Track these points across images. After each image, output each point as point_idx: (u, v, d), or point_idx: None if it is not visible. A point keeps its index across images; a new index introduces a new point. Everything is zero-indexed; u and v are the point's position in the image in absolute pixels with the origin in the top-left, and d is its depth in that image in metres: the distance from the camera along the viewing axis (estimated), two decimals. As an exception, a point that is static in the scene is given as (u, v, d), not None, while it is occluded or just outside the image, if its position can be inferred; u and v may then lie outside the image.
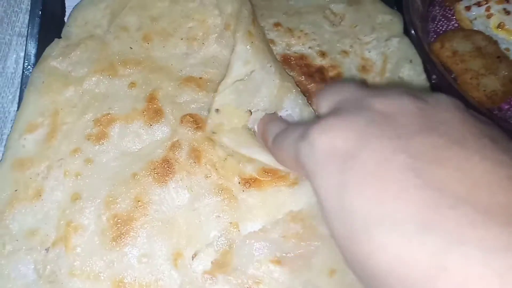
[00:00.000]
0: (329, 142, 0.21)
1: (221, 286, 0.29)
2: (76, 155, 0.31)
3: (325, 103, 0.25)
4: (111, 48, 0.35)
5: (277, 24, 0.40)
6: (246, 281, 0.29)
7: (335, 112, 0.23)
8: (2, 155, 0.32)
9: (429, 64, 0.37)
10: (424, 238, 0.16)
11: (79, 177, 0.30)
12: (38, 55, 0.37)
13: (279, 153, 0.28)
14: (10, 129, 0.34)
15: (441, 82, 0.36)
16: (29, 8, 0.40)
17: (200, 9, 0.37)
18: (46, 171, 0.31)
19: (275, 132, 0.29)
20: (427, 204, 0.17)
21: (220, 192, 0.31)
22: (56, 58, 0.35)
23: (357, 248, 0.18)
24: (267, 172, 0.31)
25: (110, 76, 0.34)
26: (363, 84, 0.25)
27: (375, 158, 0.19)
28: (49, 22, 0.39)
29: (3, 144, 0.35)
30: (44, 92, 0.34)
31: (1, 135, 0.37)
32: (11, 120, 0.37)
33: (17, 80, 0.38)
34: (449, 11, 0.44)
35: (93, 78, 0.33)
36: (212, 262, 0.29)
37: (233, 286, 0.29)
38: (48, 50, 0.36)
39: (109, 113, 0.32)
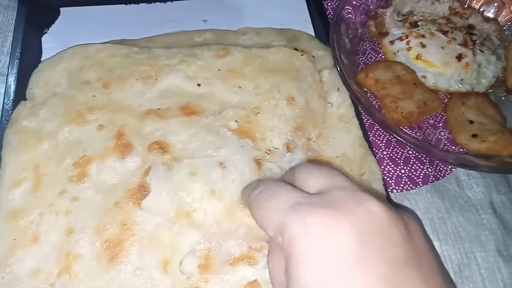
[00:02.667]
0: (329, 236, 0.21)
1: (212, 285, 0.33)
2: (63, 196, 0.35)
3: (314, 181, 0.26)
4: (76, 99, 0.40)
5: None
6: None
7: (328, 198, 0.24)
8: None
9: (350, 92, 0.43)
10: None
11: (69, 214, 0.34)
12: (17, 91, 0.42)
13: (259, 211, 0.26)
14: None
15: (360, 106, 0.43)
16: (10, 51, 0.46)
17: (149, 58, 0.42)
18: (39, 218, 0.35)
19: (260, 187, 0.28)
20: None
21: (194, 203, 0.35)
22: (26, 118, 0.39)
23: None
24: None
25: (80, 124, 0.38)
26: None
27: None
28: (27, 63, 0.45)
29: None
30: (21, 150, 0.38)
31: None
32: None
33: None
34: (377, 45, 0.51)
35: (66, 129, 0.38)
36: (198, 266, 0.33)
37: (223, 283, 0.33)
38: (16, 112, 0.40)
39: (85, 155, 0.37)
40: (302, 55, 0.44)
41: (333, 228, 0.22)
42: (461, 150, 0.43)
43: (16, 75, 0.44)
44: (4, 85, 0.43)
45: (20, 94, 0.42)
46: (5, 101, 0.42)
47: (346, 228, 0.22)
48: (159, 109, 0.39)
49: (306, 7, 0.53)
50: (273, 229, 0.24)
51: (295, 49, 0.45)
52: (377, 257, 0.21)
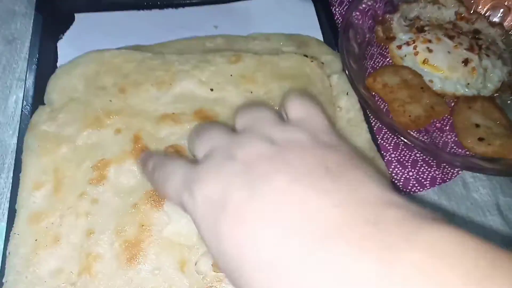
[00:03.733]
0: (204, 194, 0.23)
1: (226, 284, 0.34)
2: (83, 198, 0.36)
3: (201, 148, 0.27)
4: (93, 104, 0.41)
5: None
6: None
7: (207, 160, 0.25)
8: (16, 212, 0.37)
9: (358, 96, 0.44)
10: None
11: (89, 215, 0.35)
12: (35, 96, 0.43)
13: (162, 187, 0.28)
14: (10, 159, 0.41)
15: (369, 110, 0.44)
16: (27, 57, 0.47)
17: (163, 64, 0.43)
18: (60, 220, 0.36)
19: (155, 160, 0.31)
20: (277, 244, 0.20)
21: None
22: (45, 122, 0.41)
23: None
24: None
25: (98, 128, 0.40)
26: (231, 129, 0.28)
27: (236, 208, 0.22)
28: (44, 68, 0.46)
29: (4, 171, 0.41)
30: (41, 154, 0.39)
31: (3, 164, 0.41)
32: (11, 152, 0.42)
33: (17, 118, 0.44)
34: (385, 50, 0.52)
35: (84, 133, 0.39)
36: (212, 265, 0.35)
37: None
38: (35, 117, 0.41)
39: (103, 159, 0.38)
40: (312, 61, 0.45)
41: (204, 184, 0.24)
42: (467, 153, 0.44)
43: (34, 80, 0.45)
44: (23, 90, 0.45)
45: (38, 99, 0.43)
46: (24, 106, 0.43)
47: (212, 179, 0.24)
48: (173, 113, 0.41)
49: (315, 13, 0.54)
50: (179, 206, 0.26)
51: (305, 55, 0.46)
52: (240, 185, 0.22)
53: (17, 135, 0.42)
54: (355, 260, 0.18)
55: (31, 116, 0.42)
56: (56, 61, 0.47)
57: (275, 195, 0.21)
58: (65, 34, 0.49)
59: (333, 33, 0.51)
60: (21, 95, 0.45)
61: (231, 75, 0.43)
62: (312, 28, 0.52)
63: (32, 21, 0.50)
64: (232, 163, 0.24)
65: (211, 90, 0.42)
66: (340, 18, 0.54)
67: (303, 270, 0.19)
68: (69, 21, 0.50)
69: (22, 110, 0.43)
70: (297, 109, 0.28)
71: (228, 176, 0.23)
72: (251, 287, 0.20)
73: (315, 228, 0.19)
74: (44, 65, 0.46)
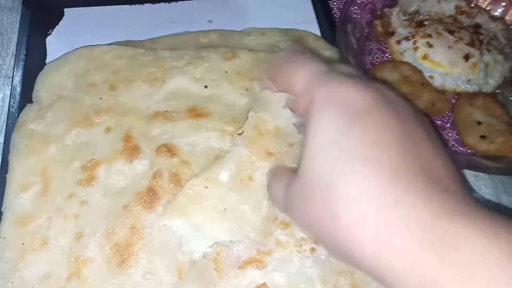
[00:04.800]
0: (346, 95, 0.23)
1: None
2: (72, 200, 0.35)
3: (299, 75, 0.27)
4: (83, 102, 0.39)
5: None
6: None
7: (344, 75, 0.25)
8: (2, 214, 0.36)
9: None
10: None
11: (78, 218, 0.34)
12: (22, 94, 0.42)
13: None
14: None
15: None
16: (15, 53, 0.46)
17: (155, 60, 0.42)
18: (48, 222, 0.34)
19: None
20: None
21: (202, 206, 0.35)
22: (33, 121, 0.39)
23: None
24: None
25: (88, 127, 0.38)
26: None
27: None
28: (32, 65, 0.44)
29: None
30: (28, 154, 0.38)
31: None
32: None
33: (3, 116, 0.42)
34: (383, 45, 0.51)
35: (73, 132, 0.38)
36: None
37: (232, 286, 0.33)
38: (23, 115, 0.40)
39: (93, 158, 0.37)
40: None
41: (351, 86, 0.24)
42: (469, 151, 0.43)
43: (21, 77, 0.43)
44: (10, 87, 0.43)
45: (26, 97, 0.42)
46: (11, 104, 0.42)
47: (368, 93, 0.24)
48: (166, 111, 0.39)
49: (312, 7, 0.53)
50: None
51: (302, 52, 0.44)
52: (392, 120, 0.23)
53: (4, 134, 0.40)
54: None
55: (18, 115, 0.40)
56: (45, 58, 0.45)
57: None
58: (54, 29, 0.48)
59: (330, 27, 0.50)
60: (8, 92, 0.43)
61: (226, 72, 0.42)
62: (309, 23, 0.51)
63: (19, 15, 0.48)
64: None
65: (205, 87, 0.41)
66: (338, 12, 0.53)
67: None
68: (58, 16, 0.49)
69: (9, 108, 0.41)
70: None
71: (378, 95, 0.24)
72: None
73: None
74: (32, 61, 0.44)
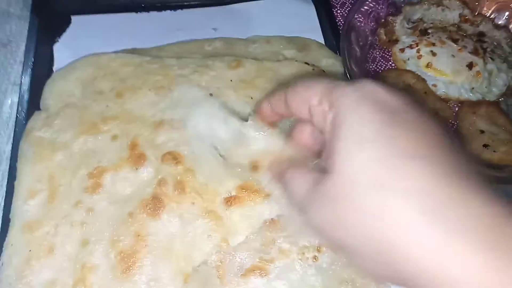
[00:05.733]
0: (377, 95, 0.23)
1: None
2: (78, 207, 0.35)
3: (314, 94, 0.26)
4: (90, 110, 0.40)
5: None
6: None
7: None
8: (10, 221, 0.36)
9: None
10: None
11: (84, 225, 0.35)
12: (30, 101, 0.42)
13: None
14: (5, 167, 0.39)
15: None
16: (23, 60, 0.46)
17: (162, 68, 0.43)
18: (54, 229, 0.35)
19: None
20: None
21: (207, 214, 0.35)
22: (40, 129, 0.40)
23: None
24: (243, 189, 0.36)
25: (94, 134, 0.39)
26: None
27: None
28: (39, 72, 0.45)
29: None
30: (36, 161, 0.38)
31: (-2, 171, 0.40)
32: (5, 159, 0.40)
33: (12, 123, 0.43)
34: (387, 53, 0.51)
35: (80, 139, 0.38)
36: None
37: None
38: (31, 122, 0.41)
39: (99, 166, 0.37)
40: (313, 69, 0.44)
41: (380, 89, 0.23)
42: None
43: (29, 84, 0.44)
44: (18, 94, 0.44)
45: (34, 104, 0.42)
46: (19, 111, 0.42)
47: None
48: (172, 119, 0.40)
49: (316, 15, 0.53)
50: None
51: (306, 63, 0.45)
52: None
53: (12, 141, 0.41)
54: None
55: (26, 122, 0.41)
56: (52, 65, 0.46)
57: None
58: (61, 37, 0.48)
59: (334, 35, 0.50)
60: (16, 100, 0.44)
61: (231, 80, 0.42)
62: (313, 31, 0.51)
63: (27, 23, 0.49)
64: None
65: (211, 95, 0.41)
66: (341, 20, 0.53)
67: None
68: (66, 23, 0.49)
69: (17, 116, 0.42)
70: None
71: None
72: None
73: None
74: (40, 69, 0.45)
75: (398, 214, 0.20)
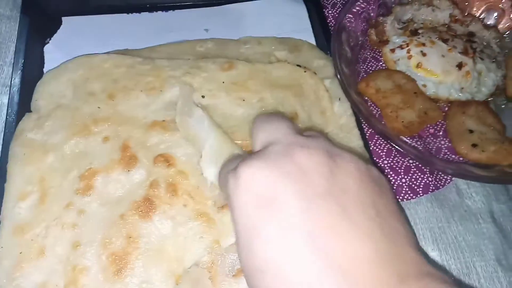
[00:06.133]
0: (251, 183, 0.23)
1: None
2: (69, 209, 0.35)
3: (259, 138, 0.27)
4: (81, 111, 0.40)
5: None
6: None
7: (264, 152, 0.24)
8: (0, 224, 0.36)
9: (350, 102, 0.43)
10: None
11: (75, 227, 0.35)
12: (20, 103, 0.42)
13: (219, 180, 0.29)
14: None
15: (361, 116, 0.43)
16: (13, 62, 0.46)
17: (154, 69, 0.43)
18: (45, 231, 0.35)
19: (225, 163, 0.31)
20: (317, 269, 0.20)
21: (199, 216, 0.36)
22: (31, 130, 0.40)
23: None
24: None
25: (86, 136, 0.39)
26: (296, 127, 0.27)
27: (281, 218, 0.21)
28: (30, 73, 0.45)
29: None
30: (27, 163, 0.38)
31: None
32: None
33: (1, 125, 0.42)
34: (378, 54, 0.51)
35: (71, 141, 0.38)
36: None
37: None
38: (22, 124, 0.40)
39: (90, 168, 0.37)
40: (305, 71, 0.44)
41: (255, 174, 0.23)
42: (461, 159, 0.44)
43: (19, 86, 0.44)
44: (7, 96, 0.43)
45: (24, 106, 0.42)
46: (9, 112, 0.42)
47: (265, 172, 0.23)
48: (163, 121, 0.40)
49: (307, 16, 0.53)
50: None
51: (298, 65, 0.45)
52: (291, 190, 0.22)
53: (2, 143, 0.41)
54: None
55: (16, 124, 0.41)
56: (43, 66, 0.46)
57: (327, 220, 0.21)
58: (52, 38, 0.48)
59: (325, 36, 0.51)
60: (6, 101, 0.44)
61: (223, 82, 0.42)
62: (305, 31, 0.52)
63: (17, 24, 0.49)
64: (289, 163, 0.23)
65: (203, 97, 0.42)
66: (333, 21, 0.53)
67: None
68: (56, 24, 0.49)
69: (7, 117, 0.42)
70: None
71: (280, 174, 0.22)
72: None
73: (349, 276, 0.20)
74: (30, 70, 0.45)
75: None
